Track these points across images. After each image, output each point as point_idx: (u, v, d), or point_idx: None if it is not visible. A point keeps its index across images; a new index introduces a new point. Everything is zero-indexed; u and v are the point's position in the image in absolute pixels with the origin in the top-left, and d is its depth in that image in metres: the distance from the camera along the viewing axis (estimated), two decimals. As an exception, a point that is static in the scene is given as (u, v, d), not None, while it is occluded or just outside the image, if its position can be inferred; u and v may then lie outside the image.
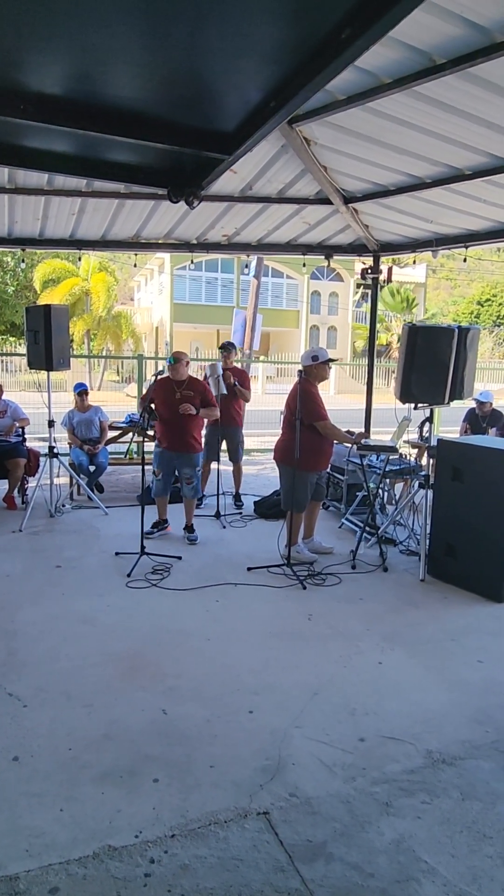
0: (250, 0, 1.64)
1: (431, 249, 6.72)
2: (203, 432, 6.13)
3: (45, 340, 5.72)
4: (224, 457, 6.77)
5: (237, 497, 6.83)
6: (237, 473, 6.86)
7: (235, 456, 6.75)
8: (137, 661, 3.43)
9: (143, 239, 6.94)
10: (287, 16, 1.72)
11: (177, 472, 5.55)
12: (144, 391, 5.59)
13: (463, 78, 3.62)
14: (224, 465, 6.75)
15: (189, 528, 5.57)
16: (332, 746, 2.76)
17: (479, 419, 7.53)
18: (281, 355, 28.49)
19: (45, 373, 5.97)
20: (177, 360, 5.33)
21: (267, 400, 11.61)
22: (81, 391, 6.98)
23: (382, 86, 3.90)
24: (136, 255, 7.77)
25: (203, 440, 6.04)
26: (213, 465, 6.57)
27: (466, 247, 6.44)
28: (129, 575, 4.63)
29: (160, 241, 7.06)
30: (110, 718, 2.89)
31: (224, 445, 6.68)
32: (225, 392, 6.17)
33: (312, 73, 1.89)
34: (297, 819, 2.32)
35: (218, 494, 6.33)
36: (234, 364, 6.75)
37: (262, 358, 26.11)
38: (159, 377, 5.34)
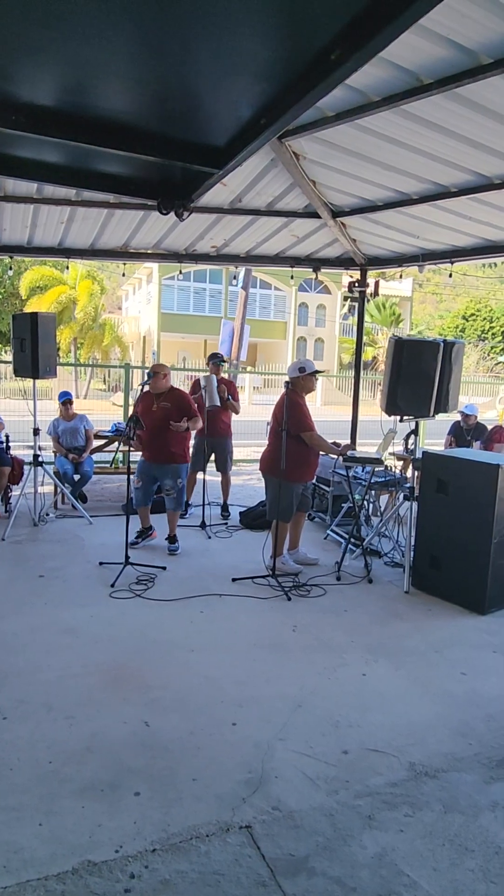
0: (242, 19, 1.67)
1: (418, 264, 6.81)
2: (190, 442, 6.13)
3: (32, 348, 5.69)
4: (211, 467, 6.76)
5: (224, 507, 6.81)
6: (225, 484, 6.85)
7: (224, 467, 6.75)
8: (120, 672, 3.40)
9: (132, 249, 6.95)
10: (278, 35, 1.75)
11: (159, 484, 5.51)
12: (133, 402, 5.60)
13: (449, 98, 3.69)
14: (211, 476, 6.75)
15: (171, 539, 5.52)
16: (315, 759, 2.75)
17: (464, 432, 7.60)
18: (268, 366, 28.58)
19: (31, 380, 5.94)
20: (154, 373, 5.33)
21: (254, 410, 11.62)
22: (66, 400, 6.95)
23: (371, 103, 3.96)
24: (124, 264, 7.78)
25: (190, 450, 6.03)
26: (199, 476, 6.56)
27: (452, 262, 6.53)
28: (112, 585, 4.60)
29: (149, 252, 7.08)
30: (92, 731, 2.86)
31: (212, 456, 6.68)
32: (218, 403, 6.19)
33: (302, 91, 1.92)
34: (280, 833, 2.30)
35: (203, 505, 6.32)
36: (223, 375, 6.77)
37: (249, 369, 26.17)
38: (144, 389, 5.36)
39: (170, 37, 1.83)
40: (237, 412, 6.79)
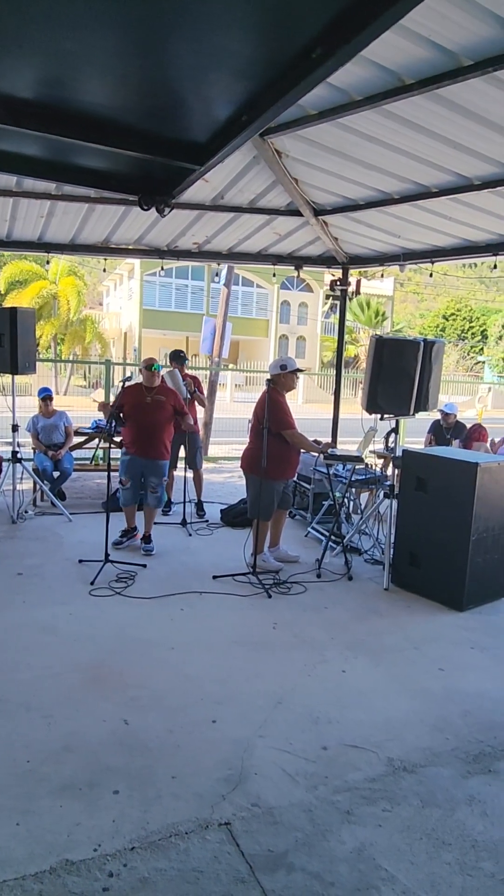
0: (223, 16, 1.66)
1: (399, 263, 6.85)
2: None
3: (11, 344, 5.62)
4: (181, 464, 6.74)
5: (199, 506, 6.74)
6: (198, 481, 6.78)
7: (194, 463, 6.66)
8: (100, 671, 3.38)
9: (113, 244, 6.90)
10: (259, 33, 1.75)
11: (143, 480, 5.48)
12: (112, 399, 5.51)
13: (430, 98, 3.72)
14: (189, 473, 6.73)
15: (146, 539, 5.44)
16: (294, 755, 2.76)
17: (444, 431, 7.67)
18: (250, 364, 28.56)
19: (10, 376, 5.87)
20: (153, 367, 5.28)
21: (235, 408, 11.61)
22: (46, 396, 6.89)
23: (353, 102, 3.97)
24: (105, 259, 7.72)
25: None
26: (179, 473, 6.54)
27: (432, 262, 6.59)
28: (92, 583, 4.57)
29: (130, 247, 7.03)
30: (70, 730, 2.84)
31: (181, 452, 6.64)
32: (186, 395, 6.16)
33: (284, 89, 1.92)
34: (259, 829, 2.31)
35: (184, 502, 6.30)
36: (188, 372, 6.75)
37: (230, 366, 26.14)
38: (127, 384, 5.27)
39: (151, 32, 1.82)
40: (204, 405, 6.79)
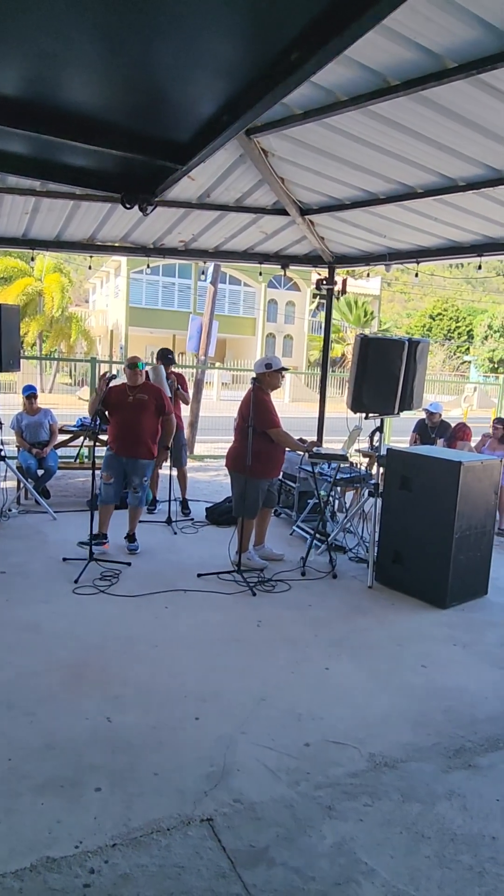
0: (204, 17, 1.67)
1: (384, 263, 6.89)
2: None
3: (-5, 341, 5.59)
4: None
5: (185, 504, 6.71)
6: (182, 479, 6.78)
7: (179, 461, 6.67)
8: (83, 669, 3.37)
9: (99, 241, 6.87)
10: (239, 34, 1.76)
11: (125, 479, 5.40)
12: (95, 392, 5.46)
13: (415, 100, 3.75)
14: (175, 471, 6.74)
15: (130, 538, 5.42)
16: (277, 752, 2.77)
17: (429, 430, 7.73)
18: (237, 362, 28.55)
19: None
20: (134, 365, 5.25)
21: (222, 406, 11.61)
22: (31, 394, 6.84)
23: (338, 103, 3.99)
24: (91, 256, 7.69)
25: None
26: (164, 472, 6.53)
27: (418, 262, 6.63)
28: (76, 581, 4.55)
29: (116, 245, 7.00)
30: (53, 728, 2.83)
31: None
32: (169, 393, 6.15)
33: (264, 90, 1.94)
34: (241, 825, 2.32)
35: (170, 500, 6.30)
36: (173, 370, 6.74)
37: (217, 364, 26.13)
38: (112, 383, 5.21)
39: (132, 32, 1.83)
40: (188, 402, 6.78)
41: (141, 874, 2.07)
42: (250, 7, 1.59)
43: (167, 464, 6.36)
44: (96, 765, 2.60)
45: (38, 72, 2.12)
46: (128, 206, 3.06)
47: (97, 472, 5.26)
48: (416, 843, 2.29)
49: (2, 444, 5.94)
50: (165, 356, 6.63)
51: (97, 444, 5.84)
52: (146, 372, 5.64)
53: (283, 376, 5.17)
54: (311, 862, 2.17)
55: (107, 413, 5.26)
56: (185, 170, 2.69)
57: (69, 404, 16.13)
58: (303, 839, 2.27)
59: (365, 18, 1.49)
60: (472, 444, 7.43)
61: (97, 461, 5.36)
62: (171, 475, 6.44)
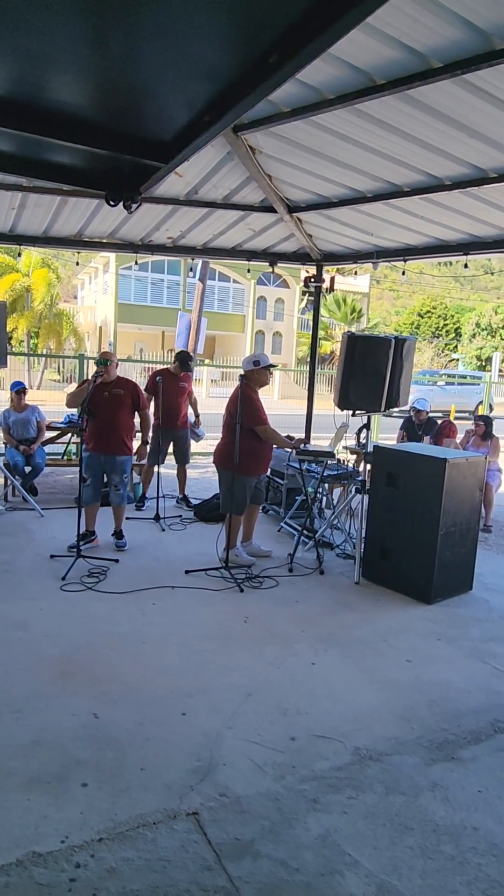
0: (186, 20, 1.69)
1: (372, 261, 6.92)
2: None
3: (-18, 337, 5.56)
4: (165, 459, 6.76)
5: (186, 499, 6.79)
6: (182, 475, 6.85)
7: (184, 458, 6.78)
8: (70, 665, 3.38)
9: (87, 237, 6.84)
10: (219, 37, 1.78)
11: (105, 478, 5.37)
12: (77, 387, 5.46)
13: (401, 99, 3.77)
14: (167, 469, 6.74)
15: (118, 535, 5.42)
16: (263, 746, 2.80)
17: (415, 427, 7.78)
18: (226, 359, 28.56)
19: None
20: (109, 361, 5.16)
21: (211, 403, 11.59)
22: (19, 389, 6.81)
23: (325, 101, 4.01)
24: (79, 252, 7.65)
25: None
26: (167, 471, 6.57)
27: (405, 260, 6.66)
28: (64, 578, 4.55)
29: (104, 241, 6.98)
30: (40, 724, 2.84)
31: (170, 448, 6.67)
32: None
33: (243, 92, 1.96)
34: (227, 818, 2.35)
35: (158, 497, 6.30)
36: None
37: (206, 362, 26.12)
38: (98, 380, 5.16)
39: (113, 33, 1.85)
40: (196, 403, 6.86)
41: (127, 868, 2.08)
42: (231, 10, 1.61)
43: (171, 461, 6.46)
44: (83, 760, 2.61)
45: (22, 71, 2.12)
46: (112, 203, 3.06)
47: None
48: (400, 835, 2.33)
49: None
50: (186, 361, 6.68)
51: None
52: (155, 375, 5.77)
53: (271, 373, 5.19)
54: (296, 854, 2.20)
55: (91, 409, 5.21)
56: (167, 168, 2.70)
57: (57, 401, 16.04)
58: (288, 832, 2.30)
59: (340, 23, 1.51)
60: (458, 441, 7.49)
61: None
62: (159, 473, 6.44)
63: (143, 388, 6.42)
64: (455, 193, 4.89)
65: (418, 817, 2.42)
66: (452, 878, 2.14)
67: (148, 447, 5.68)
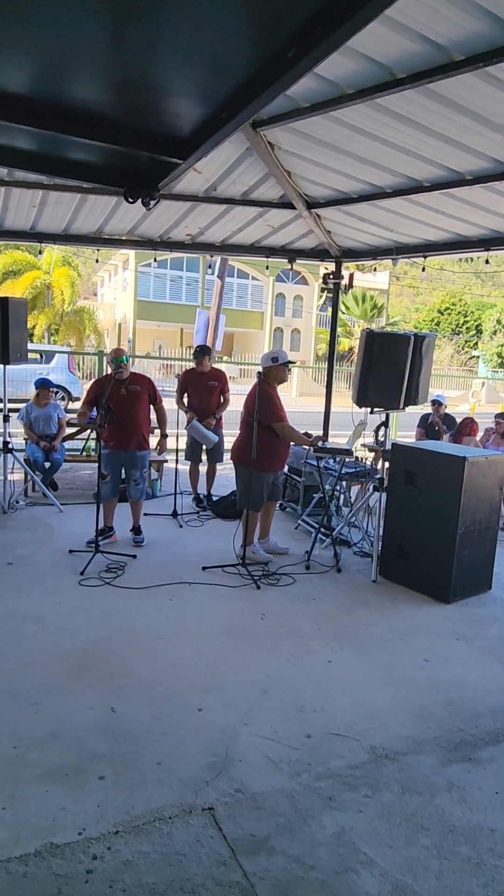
0: (202, 16, 1.69)
1: (391, 257, 6.86)
2: (186, 427, 6.35)
3: (2, 334, 5.62)
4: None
5: (209, 498, 6.77)
6: (212, 474, 6.86)
7: (220, 456, 6.81)
8: (87, 659, 3.41)
9: (106, 234, 6.88)
10: (238, 33, 1.77)
11: (123, 473, 5.40)
12: (90, 388, 5.50)
13: (422, 93, 3.72)
14: (184, 465, 6.77)
15: (136, 530, 5.46)
16: (279, 743, 2.80)
17: (433, 424, 7.72)
18: (244, 356, 28.55)
19: (1, 366, 5.86)
20: (127, 358, 5.26)
21: (229, 400, 11.65)
22: (45, 385, 6.86)
23: (344, 96, 3.97)
24: (98, 250, 7.70)
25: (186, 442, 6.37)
26: (170, 466, 6.59)
27: (425, 256, 6.59)
28: (82, 573, 4.59)
29: (123, 238, 7.01)
30: (57, 717, 2.87)
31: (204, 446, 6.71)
32: (217, 439, 6.45)
33: (261, 87, 1.95)
34: (242, 814, 2.35)
35: (175, 493, 6.33)
36: (214, 366, 6.80)
37: (224, 358, 26.13)
38: (116, 376, 5.21)
39: (132, 31, 1.85)
40: (228, 403, 6.82)
41: (143, 861, 2.10)
42: (248, 4, 1.60)
43: (178, 457, 6.47)
44: (100, 753, 2.63)
45: (42, 70, 2.14)
46: (130, 200, 3.07)
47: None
48: (416, 835, 2.31)
49: (9, 436, 5.98)
50: (197, 353, 6.69)
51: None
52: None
53: (289, 370, 5.18)
54: (311, 851, 2.20)
55: (111, 406, 5.23)
56: (185, 165, 2.70)
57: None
58: (303, 829, 2.30)
59: (358, 16, 1.49)
60: (478, 439, 7.41)
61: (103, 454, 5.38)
62: (177, 469, 6.48)
63: (176, 387, 6.51)
64: (476, 188, 4.83)
65: (434, 817, 2.41)
66: (469, 879, 2.13)
67: (167, 441, 5.68)
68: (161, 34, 1.82)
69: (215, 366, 7.05)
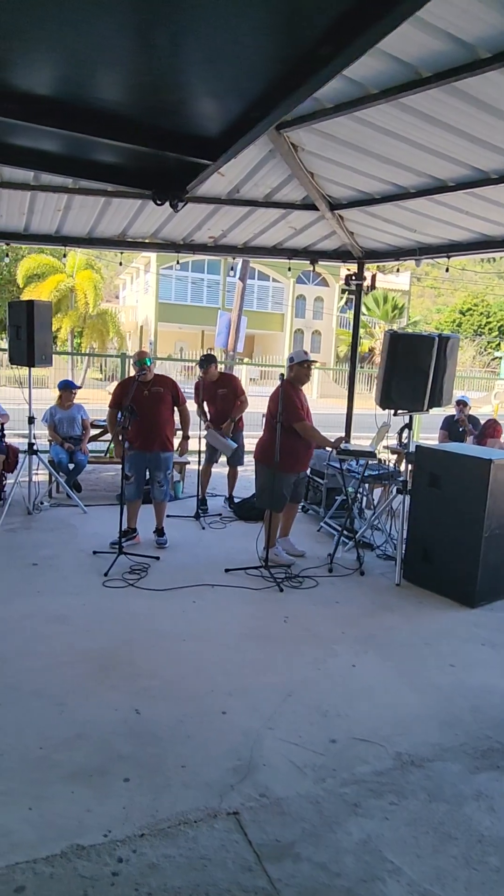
0: (231, 14, 1.67)
1: (414, 258, 6.80)
2: (204, 434, 6.41)
3: (28, 336, 5.69)
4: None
5: (231, 500, 6.78)
6: (233, 477, 6.87)
7: (240, 460, 6.83)
8: (111, 660, 3.42)
9: (130, 238, 6.92)
10: (268, 30, 1.75)
11: (147, 475, 5.42)
12: (115, 390, 5.55)
13: (447, 92, 3.68)
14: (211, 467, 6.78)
15: (159, 532, 5.47)
16: (303, 748, 2.78)
17: (457, 426, 7.62)
18: (265, 358, 28.57)
19: (27, 369, 5.93)
20: (151, 360, 5.29)
21: (250, 402, 11.67)
22: (68, 387, 6.92)
23: (369, 96, 3.95)
24: (121, 253, 7.75)
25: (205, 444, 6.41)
26: (192, 468, 6.60)
27: (448, 257, 6.52)
28: (106, 574, 4.62)
29: (146, 241, 7.05)
30: (82, 718, 2.89)
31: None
32: (235, 446, 6.49)
33: (293, 86, 1.92)
34: (267, 819, 2.34)
35: (197, 496, 6.34)
36: (221, 372, 6.80)
37: (245, 360, 26.17)
38: (140, 377, 5.23)
39: (160, 30, 1.84)
40: (246, 404, 6.77)
41: (168, 864, 2.10)
42: (280, 4, 1.58)
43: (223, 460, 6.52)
44: (125, 755, 2.64)
45: (68, 71, 2.15)
46: (159, 202, 3.08)
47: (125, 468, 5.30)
48: (443, 844, 2.28)
49: (34, 437, 6.05)
50: (201, 362, 6.65)
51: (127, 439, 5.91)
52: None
53: (310, 369, 5.16)
54: (337, 858, 2.18)
55: (134, 408, 5.26)
56: (215, 166, 2.69)
57: (100, 399, 16.29)
58: (328, 836, 2.28)
59: (395, 13, 1.46)
60: (503, 441, 7.31)
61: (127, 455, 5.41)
62: (197, 471, 6.49)
63: (194, 398, 6.55)
64: (502, 187, 4.76)
65: (462, 826, 2.37)
66: (498, 890, 2.09)
67: (188, 442, 5.70)
68: (188, 32, 1.80)
69: (235, 368, 7.05)
